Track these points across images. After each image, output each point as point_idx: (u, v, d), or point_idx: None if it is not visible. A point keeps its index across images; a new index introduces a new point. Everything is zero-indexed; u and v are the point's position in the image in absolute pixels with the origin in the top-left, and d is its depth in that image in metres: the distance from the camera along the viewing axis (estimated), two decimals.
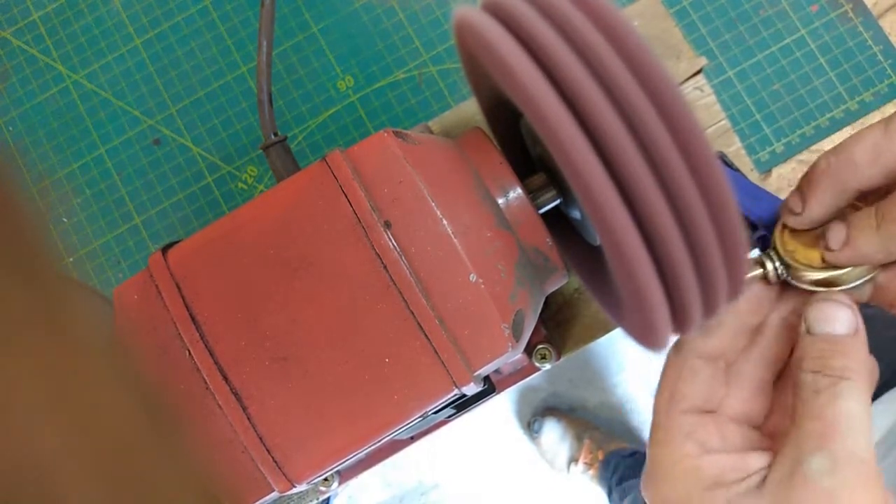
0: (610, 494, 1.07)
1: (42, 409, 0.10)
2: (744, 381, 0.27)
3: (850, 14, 0.43)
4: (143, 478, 0.12)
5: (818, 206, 0.26)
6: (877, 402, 0.52)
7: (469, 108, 0.43)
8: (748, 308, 0.28)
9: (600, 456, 1.11)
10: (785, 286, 0.28)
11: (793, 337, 0.27)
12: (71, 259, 0.44)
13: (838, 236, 0.26)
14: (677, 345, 0.27)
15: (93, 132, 0.45)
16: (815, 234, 0.27)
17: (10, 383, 0.10)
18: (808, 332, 0.25)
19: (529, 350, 0.38)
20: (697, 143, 0.21)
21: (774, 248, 0.28)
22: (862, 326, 0.25)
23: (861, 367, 0.24)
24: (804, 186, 0.26)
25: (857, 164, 0.25)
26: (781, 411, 0.26)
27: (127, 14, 0.46)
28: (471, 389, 0.27)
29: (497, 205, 0.29)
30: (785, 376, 0.27)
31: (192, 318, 0.27)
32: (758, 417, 0.26)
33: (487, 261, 0.27)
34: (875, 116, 0.42)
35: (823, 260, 0.26)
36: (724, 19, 0.44)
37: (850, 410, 0.23)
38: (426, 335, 0.26)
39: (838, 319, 0.25)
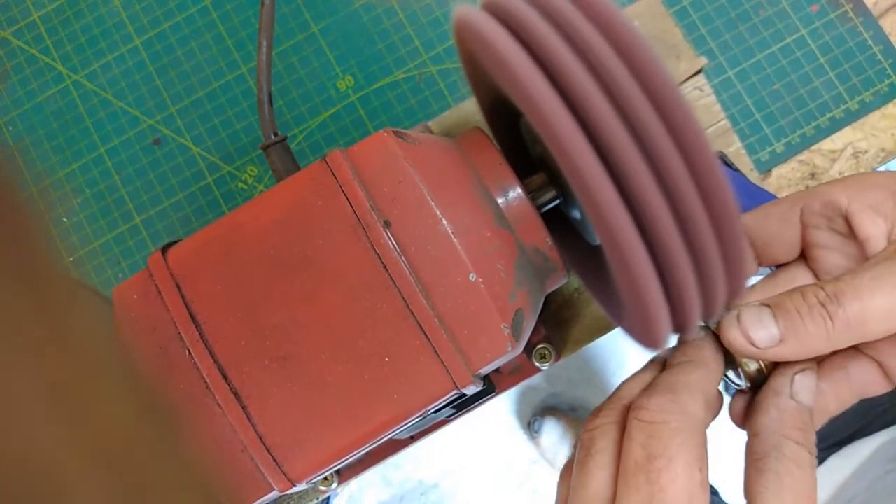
0: None
1: (42, 408, 0.10)
2: None
3: (851, 14, 0.43)
4: (143, 477, 0.12)
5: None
6: (835, 455, 0.53)
7: (469, 108, 0.43)
8: None
9: None
10: None
11: None
12: (71, 259, 0.44)
13: (767, 330, 0.25)
14: None
15: (93, 132, 0.45)
16: None
17: (10, 383, 0.10)
18: (795, 398, 0.25)
19: (529, 350, 0.38)
20: (697, 142, 0.21)
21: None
22: None
23: None
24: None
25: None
26: None
27: (127, 14, 0.46)
28: (470, 389, 0.27)
29: (497, 204, 0.29)
30: None
31: (192, 318, 0.27)
32: None
33: (487, 260, 0.27)
34: (875, 116, 0.42)
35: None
36: (724, 19, 0.44)
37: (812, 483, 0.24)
38: (426, 335, 0.26)
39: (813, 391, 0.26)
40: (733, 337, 0.25)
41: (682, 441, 0.23)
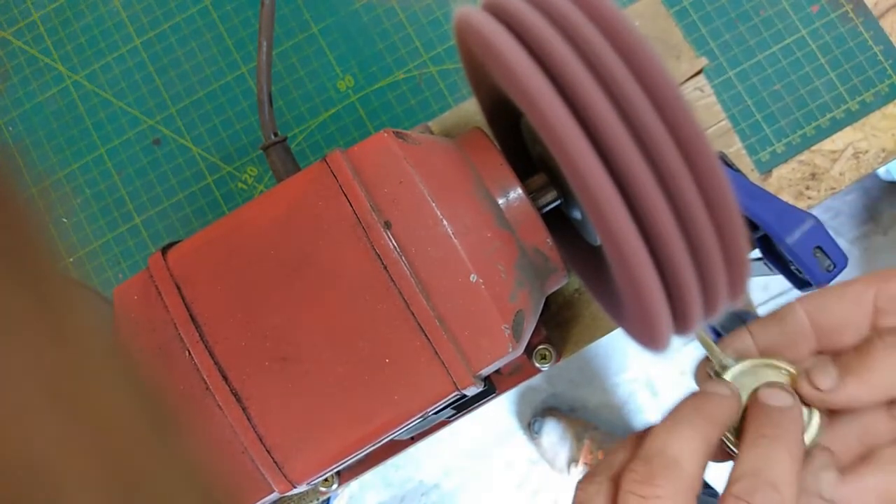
0: None
1: (43, 409, 0.10)
2: None
3: (851, 14, 0.43)
4: (143, 478, 0.12)
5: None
6: None
7: (469, 108, 0.43)
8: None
9: (601, 456, 1.11)
10: None
11: None
12: (71, 259, 0.44)
13: (828, 371, 0.25)
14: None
15: (93, 132, 0.45)
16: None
17: (11, 383, 0.10)
18: (823, 497, 0.25)
19: (529, 351, 0.38)
20: (698, 143, 0.21)
21: None
22: None
23: None
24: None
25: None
26: None
27: (127, 14, 0.46)
28: (471, 390, 0.27)
29: (497, 205, 0.28)
30: None
31: (192, 319, 0.27)
32: None
33: (487, 261, 0.27)
34: (876, 116, 0.42)
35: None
36: (724, 19, 0.44)
37: None
38: (426, 335, 0.26)
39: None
40: (801, 387, 0.26)
41: None
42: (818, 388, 0.25)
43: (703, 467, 0.24)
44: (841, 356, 0.26)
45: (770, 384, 0.26)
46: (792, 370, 0.27)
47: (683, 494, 0.23)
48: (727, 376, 0.27)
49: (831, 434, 0.27)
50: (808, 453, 0.25)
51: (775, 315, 0.28)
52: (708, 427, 0.25)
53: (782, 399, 0.26)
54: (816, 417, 0.26)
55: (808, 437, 0.26)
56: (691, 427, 0.25)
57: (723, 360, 0.27)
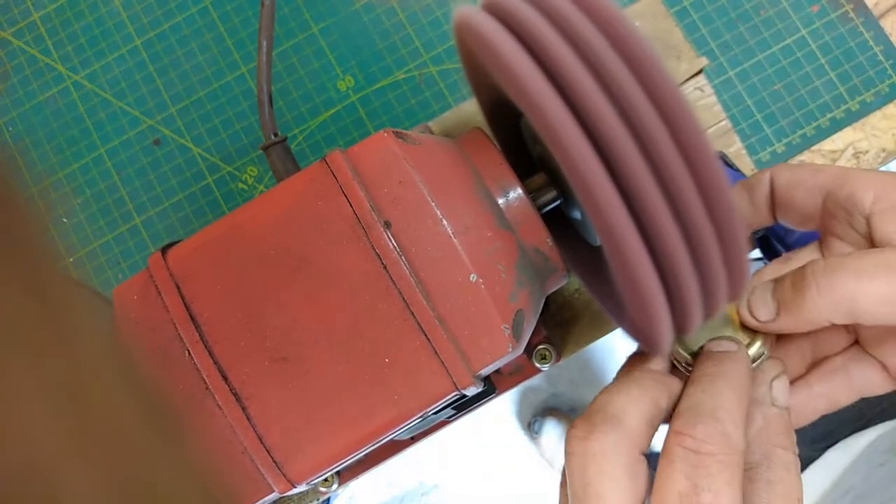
0: None
1: (42, 409, 0.10)
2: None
3: (851, 14, 0.43)
4: (143, 478, 0.12)
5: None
6: (831, 449, 0.54)
7: (469, 108, 0.43)
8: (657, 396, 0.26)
9: None
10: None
11: None
12: (71, 259, 0.44)
13: (767, 305, 0.26)
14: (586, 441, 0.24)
15: (93, 132, 0.45)
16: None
17: (10, 383, 0.10)
18: (775, 404, 0.25)
19: (529, 351, 0.38)
20: (698, 143, 0.21)
21: None
22: None
23: None
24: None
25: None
26: None
27: (127, 14, 0.46)
28: (471, 390, 0.27)
29: (497, 205, 0.28)
30: None
31: (192, 319, 0.27)
32: None
33: (487, 261, 0.27)
34: (876, 116, 0.42)
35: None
36: (724, 19, 0.44)
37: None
38: (426, 335, 0.26)
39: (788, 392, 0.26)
40: (742, 313, 0.27)
41: (729, 476, 0.22)
42: (757, 319, 0.26)
43: (650, 426, 0.24)
44: (779, 286, 0.26)
45: (717, 339, 0.27)
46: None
47: (624, 449, 0.23)
48: None
49: (787, 343, 0.28)
50: (756, 367, 0.27)
51: (747, 183, 0.29)
52: (655, 388, 0.25)
53: (727, 345, 0.26)
54: (759, 340, 0.27)
55: (751, 351, 0.27)
56: (638, 386, 0.25)
57: None
